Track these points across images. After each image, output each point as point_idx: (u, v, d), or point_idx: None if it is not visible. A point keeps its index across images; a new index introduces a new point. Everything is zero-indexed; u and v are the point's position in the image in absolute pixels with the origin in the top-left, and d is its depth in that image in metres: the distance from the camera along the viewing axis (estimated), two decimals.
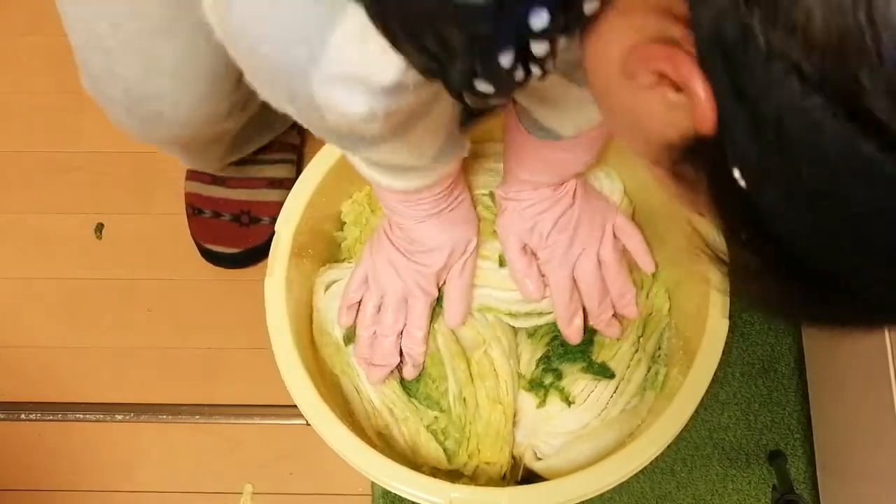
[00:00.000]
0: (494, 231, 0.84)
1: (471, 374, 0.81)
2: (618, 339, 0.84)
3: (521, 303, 0.84)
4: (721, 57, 0.31)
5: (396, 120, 0.49)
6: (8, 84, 1.24)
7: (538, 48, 0.38)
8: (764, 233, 0.34)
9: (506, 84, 0.41)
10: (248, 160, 1.07)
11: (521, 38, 0.38)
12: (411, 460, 0.79)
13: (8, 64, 1.25)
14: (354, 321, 0.82)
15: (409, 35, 0.39)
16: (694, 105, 0.33)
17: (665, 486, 0.96)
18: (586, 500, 0.68)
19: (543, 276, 0.83)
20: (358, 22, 0.41)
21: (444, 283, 0.82)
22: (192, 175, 1.10)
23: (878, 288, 0.33)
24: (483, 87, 0.41)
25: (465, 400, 0.80)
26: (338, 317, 0.83)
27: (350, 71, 0.43)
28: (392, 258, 0.79)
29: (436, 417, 0.80)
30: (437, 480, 0.69)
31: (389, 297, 0.80)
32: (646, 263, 0.87)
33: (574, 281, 0.83)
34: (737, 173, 0.33)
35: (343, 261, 0.89)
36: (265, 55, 0.44)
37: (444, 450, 0.80)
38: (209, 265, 1.10)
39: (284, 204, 0.81)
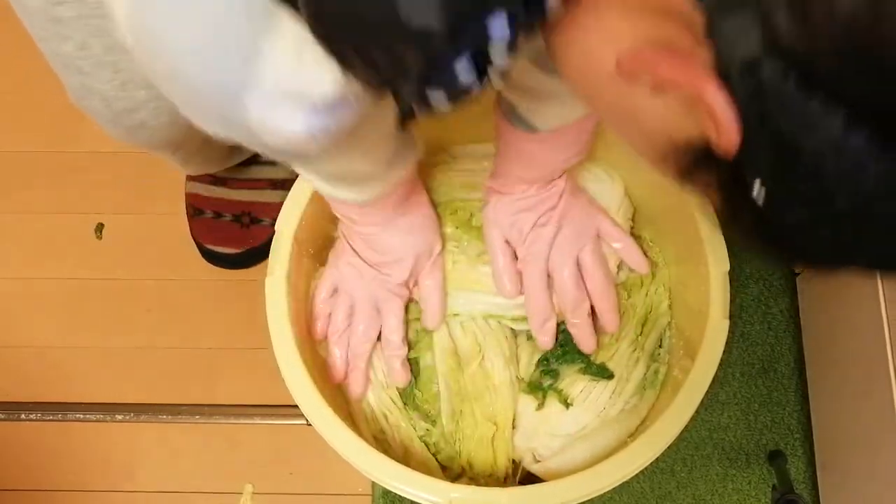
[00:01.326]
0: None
1: (466, 391, 0.81)
2: (616, 340, 0.84)
3: (523, 307, 0.83)
4: (752, 86, 0.29)
5: (339, 136, 0.46)
6: (8, 84, 1.24)
7: (498, 55, 0.36)
8: (774, 232, 0.34)
9: (462, 94, 0.39)
10: (249, 161, 1.07)
11: (481, 48, 0.36)
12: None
13: (8, 64, 1.25)
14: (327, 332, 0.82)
15: (358, 54, 0.37)
16: (713, 123, 0.31)
17: (665, 486, 0.96)
18: (586, 500, 0.68)
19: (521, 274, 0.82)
20: (293, 34, 0.38)
21: (416, 284, 0.82)
22: (193, 176, 1.10)
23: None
24: (437, 98, 0.39)
25: (457, 421, 0.80)
26: (311, 328, 0.82)
27: (286, 87, 0.40)
28: (358, 268, 0.79)
29: (427, 430, 0.81)
30: (437, 480, 0.69)
31: (360, 304, 0.80)
32: (638, 265, 0.85)
33: (550, 283, 0.81)
34: (756, 190, 0.32)
35: None
36: (190, 78, 0.41)
37: (438, 461, 0.80)
38: (209, 265, 1.10)
39: (284, 203, 0.81)
